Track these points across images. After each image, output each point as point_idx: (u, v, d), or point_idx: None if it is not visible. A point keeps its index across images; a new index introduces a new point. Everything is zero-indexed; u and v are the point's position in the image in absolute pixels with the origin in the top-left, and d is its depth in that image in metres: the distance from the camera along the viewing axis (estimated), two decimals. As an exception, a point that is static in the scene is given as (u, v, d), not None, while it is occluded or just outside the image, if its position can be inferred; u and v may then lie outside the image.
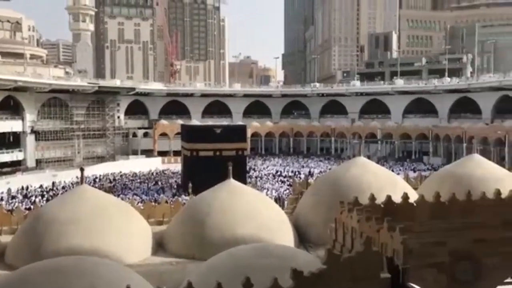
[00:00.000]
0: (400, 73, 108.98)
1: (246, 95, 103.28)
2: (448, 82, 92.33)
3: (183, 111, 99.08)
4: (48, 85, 73.71)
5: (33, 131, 74.18)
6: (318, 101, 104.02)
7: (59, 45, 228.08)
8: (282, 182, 56.98)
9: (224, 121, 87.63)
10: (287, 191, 47.86)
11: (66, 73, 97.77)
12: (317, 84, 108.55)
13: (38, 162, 73.36)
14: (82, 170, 18.23)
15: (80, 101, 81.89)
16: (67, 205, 16.60)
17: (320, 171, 64.51)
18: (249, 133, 78.33)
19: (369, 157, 27.87)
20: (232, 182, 17.99)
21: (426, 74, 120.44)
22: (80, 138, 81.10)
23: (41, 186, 54.03)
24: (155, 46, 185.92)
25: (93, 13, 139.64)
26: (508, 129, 67.61)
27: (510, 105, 78.76)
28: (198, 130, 58.40)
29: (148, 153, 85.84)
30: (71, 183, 54.47)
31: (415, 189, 18.82)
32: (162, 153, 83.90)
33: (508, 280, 10.58)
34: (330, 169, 63.11)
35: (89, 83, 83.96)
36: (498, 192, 12.98)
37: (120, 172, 65.85)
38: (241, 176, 43.07)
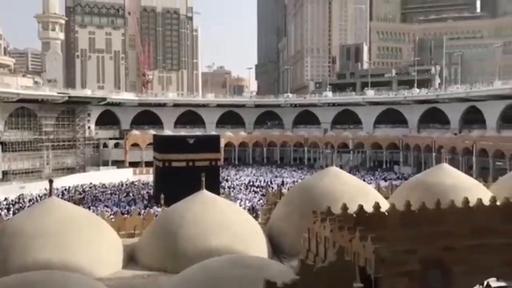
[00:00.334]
0: (371, 84, 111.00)
1: (219, 105, 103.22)
2: (417, 93, 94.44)
3: (155, 121, 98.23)
4: (16, 95, 71.92)
5: (-1, 142, 72.23)
6: (291, 111, 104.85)
7: (28, 54, 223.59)
8: (256, 192, 56.90)
9: (197, 131, 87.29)
10: (261, 201, 47.82)
11: (35, 82, 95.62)
12: (290, 95, 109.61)
13: (5, 173, 71.27)
14: (50, 181, 17.77)
15: (50, 111, 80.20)
16: (35, 218, 16.13)
17: (293, 181, 64.78)
18: (222, 143, 78.13)
19: (341, 167, 28.15)
20: (205, 193, 17.84)
21: (396, 85, 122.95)
22: (49, 149, 79.30)
23: (6, 199, 52.43)
24: (126, 56, 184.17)
25: (63, 22, 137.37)
26: (476, 139, 69.46)
27: (477, 115, 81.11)
28: (170, 140, 57.79)
29: (119, 164, 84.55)
30: (39, 195, 53.07)
31: (386, 198, 19.06)
32: (133, 164, 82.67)
33: (477, 287, 10.78)
34: (303, 179, 63.49)
35: (58, 93, 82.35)
36: (466, 201, 13.25)
37: (91, 183, 64.56)
38: (214, 186, 42.79)
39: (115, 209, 46.54)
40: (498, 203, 13.82)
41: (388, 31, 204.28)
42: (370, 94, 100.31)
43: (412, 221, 12.57)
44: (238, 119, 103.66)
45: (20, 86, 78.78)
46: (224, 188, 56.76)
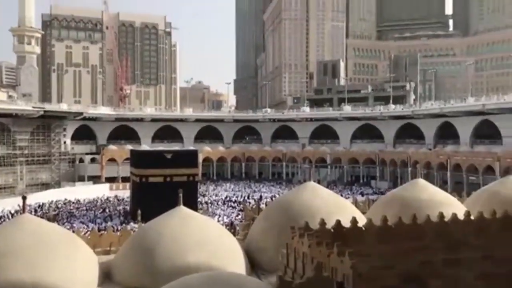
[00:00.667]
0: (348, 100, 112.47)
1: (197, 120, 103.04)
2: (393, 109, 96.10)
3: (132, 136, 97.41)
4: (-11, 109, 70.57)
5: (-29, 157, 70.44)
6: (270, 126, 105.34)
7: (2, 67, 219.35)
8: (234, 207, 56.66)
9: (175, 146, 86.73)
10: (239, 216, 47.62)
11: (9, 96, 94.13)
12: (269, 110, 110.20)
13: (-24, 189, 69.50)
14: (24, 198, 17.36)
15: (24, 125, 78.74)
16: (6, 236, 15.70)
17: (272, 196, 64.76)
18: (200, 158, 77.80)
19: (319, 182, 28.33)
20: (182, 209, 17.69)
21: (372, 101, 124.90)
22: (23, 164, 77.66)
23: (-23, 216, 50.95)
24: (104, 70, 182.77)
25: (39, 35, 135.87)
26: (450, 154, 70.80)
27: (451, 131, 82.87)
28: (147, 156, 57.14)
29: (95, 179, 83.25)
30: (11, 212, 51.71)
31: (364, 213, 19.22)
32: (110, 179, 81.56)
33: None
34: (281, 193, 63.56)
35: (33, 107, 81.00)
36: (441, 216, 13.46)
37: (66, 199, 63.26)
38: (192, 202, 42.53)
39: (90, 225, 45.72)
40: (472, 217, 14.08)
41: (364, 48, 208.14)
42: (347, 109, 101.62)
43: (389, 236, 12.69)
44: (217, 134, 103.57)
45: (-7, 100, 77.34)
46: (202, 204, 56.37)
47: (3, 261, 14.78)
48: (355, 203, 24.17)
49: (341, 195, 50.57)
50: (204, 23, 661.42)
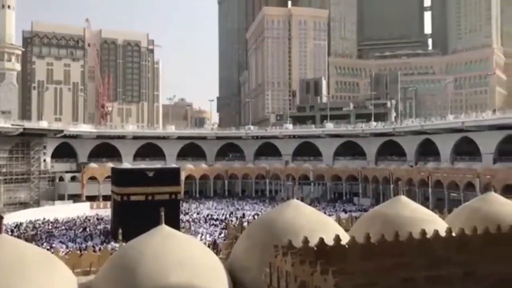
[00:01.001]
0: (330, 117, 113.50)
1: (180, 137, 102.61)
2: (375, 126, 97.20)
3: (114, 154, 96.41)
4: (-33, 127, 69.27)
5: None
6: (253, 143, 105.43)
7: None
8: (216, 226, 56.20)
9: (157, 164, 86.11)
10: (222, 235, 47.22)
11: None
12: (252, 127, 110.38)
13: (-48, 209, 67.71)
14: (1, 217, 16.93)
15: (3, 143, 77.44)
16: (-18, 257, 15.23)
17: (255, 214, 64.47)
18: (183, 175, 77.32)
19: (302, 199, 28.30)
20: (164, 228, 17.43)
21: (354, 118, 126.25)
22: (1, 183, 76.18)
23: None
24: (85, 87, 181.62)
25: (19, 52, 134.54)
26: (431, 170, 71.64)
27: (432, 148, 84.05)
28: (129, 173, 56.53)
29: (75, 198, 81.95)
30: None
31: (347, 230, 19.21)
32: (90, 198, 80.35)
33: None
34: (264, 211, 63.35)
35: (13, 124, 79.81)
36: (423, 233, 13.52)
37: (45, 218, 62.04)
38: (175, 221, 42.08)
39: (70, 245, 44.83)
40: (453, 234, 14.17)
41: (345, 66, 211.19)
42: (329, 127, 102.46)
43: (372, 254, 12.68)
44: (199, 152, 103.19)
45: (-28, 117, 76.03)
46: (184, 222, 55.81)
47: (-23, 284, 14.32)
48: (338, 221, 24.18)
49: (325, 212, 50.65)
50: (187, 40, 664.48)
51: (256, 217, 57.34)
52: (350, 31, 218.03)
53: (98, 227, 57.19)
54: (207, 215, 65.72)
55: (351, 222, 24.16)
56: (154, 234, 17.26)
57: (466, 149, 78.37)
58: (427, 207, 23.41)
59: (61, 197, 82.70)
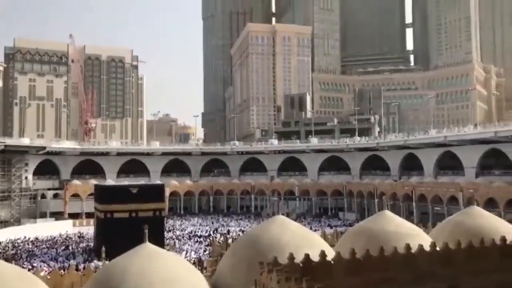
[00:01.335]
0: (315, 132, 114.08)
1: (164, 153, 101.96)
2: (359, 141, 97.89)
3: (97, 171, 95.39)
4: None
5: None
6: (238, 159, 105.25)
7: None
8: (201, 242, 55.65)
9: (141, 181, 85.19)
10: (207, 252, 46.76)
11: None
12: (237, 142, 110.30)
13: None
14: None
15: (-17, 160, 75.99)
16: (-40, 278, 14.81)
17: (240, 230, 64.06)
18: (167, 192, 76.61)
19: (288, 215, 28.23)
20: (148, 246, 17.19)
21: (338, 133, 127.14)
22: (-19, 201, 74.51)
23: None
24: (69, 104, 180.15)
25: (1, 68, 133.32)
26: (415, 185, 72.13)
27: (415, 162, 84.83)
28: (112, 190, 55.81)
29: (58, 215, 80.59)
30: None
31: (332, 246, 19.17)
32: (73, 216, 79.07)
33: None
34: (250, 227, 62.99)
35: (-6, 141, 78.51)
36: (408, 247, 13.55)
37: (25, 237, 60.77)
38: (159, 238, 41.61)
39: (52, 264, 43.88)
40: (437, 248, 14.23)
41: (329, 82, 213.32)
42: (314, 142, 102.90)
43: (357, 269, 12.66)
44: (184, 167, 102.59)
45: (-49, 134, 74.56)
46: (169, 239, 55.16)
47: (-46, 306, 13.89)
48: (324, 236, 24.13)
49: (310, 228, 50.56)
50: (172, 56, 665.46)
51: (240, 234, 57.00)
52: (333, 48, 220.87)
53: (81, 245, 56.22)
54: (193, 232, 65.08)
55: (336, 237, 24.14)
56: (138, 252, 17.01)
57: (449, 163, 79.29)
58: (412, 221, 23.53)
59: (43, 215, 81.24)
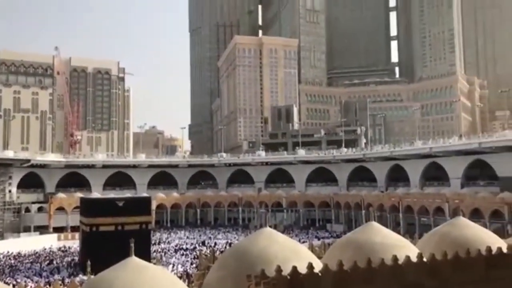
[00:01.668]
0: (302, 144, 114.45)
1: (151, 166, 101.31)
2: (345, 152, 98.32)
3: (83, 184, 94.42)
4: None
5: None
6: (225, 170, 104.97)
7: None
8: (188, 256, 55.16)
9: (128, 193, 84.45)
10: (194, 265, 46.34)
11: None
12: (224, 154, 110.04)
13: None
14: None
15: (-35, 174, 74.74)
16: None
17: (228, 242, 63.67)
18: (154, 205, 76.00)
19: (275, 226, 28.18)
20: (134, 260, 16.97)
21: (325, 145, 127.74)
22: (-37, 215, 73.09)
23: None
24: (54, 116, 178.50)
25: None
26: (401, 196, 72.55)
27: (401, 173, 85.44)
28: (98, 204, 55.21)
29: (42, 229, 79.36)
30: None
31: (320, 257, 19.13)
32: (58, 229, 78.00)
33: None
34: (237, 240, 62.65)
35: (-23, 154, 77.35)
36: (395, 259, 13.56)
37: (8, 252, 59.65)
38: (145, 252, 41.20)
39: (36, 278, 43.08)
40: (424, 259, 14.27)
41: (316, 94, 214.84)
42: (301, 153, 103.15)
43: (345, 281, 12.62)
44: (171, 180, 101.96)
45: None
46: (155, 253, 54.59)
47: None
48: (311, 248, 24.07)
49: (299, 240, 50.48)
50: (159, 68, 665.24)
51: (227, 246, 56.68)
52: (319, 60, 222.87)
53: (66, 259, 55.34)
54: (180, 245, 64.50)
55: (324, 249, 24.09)
56: (124, 266, 16.79)
57: (435, 174, 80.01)
58: (398, 232, 23.63)
59: (27, 229, 79.95)
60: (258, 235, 19.25)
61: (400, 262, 13.62)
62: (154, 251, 55.99)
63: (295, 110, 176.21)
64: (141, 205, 52.36)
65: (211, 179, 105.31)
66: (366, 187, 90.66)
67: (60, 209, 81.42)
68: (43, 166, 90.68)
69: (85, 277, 34.79)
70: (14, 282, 39.40)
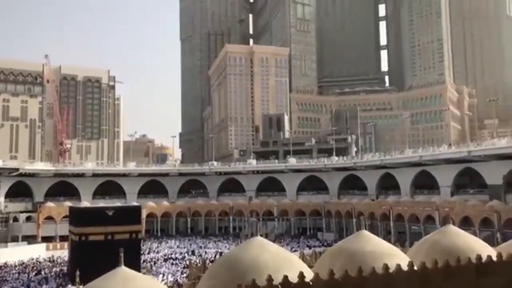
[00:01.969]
0: (293, 152, 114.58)
1: (141, 174, 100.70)
2: (336, 160, 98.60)
3: (72, 193, 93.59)
4: None
5: None
6: (216, 179, 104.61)
7: None
8: (178, 265, 54.75)
9: (117, 202, 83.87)
10: (184, 275, 45.98)
11: None
12: (215, 163, 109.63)
13: None
14: None
15: (-48, 183, 73.77)
16: None
17: (219, 252, 63.32)
18: (144, 214, 75.50)
19: (266, 235, 28.06)
20: (124, 270, 16.79)
21: (316, 153, 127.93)
22: (-50, 224, 72.06)
23: None
24: (43, 124, 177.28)
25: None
26: (392, 204, 72.70)
27: (392, 181, 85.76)
28: (87, 213, 54.66)
29: (30, 239, 78.30)
30: None
31: (311, 266, 19.06)
32: (47, 239, 77.03)
33: None
34: (228, 249, 62.32)
35: (-36, 163, 76.48)
36: (386, 267, 13.56)
37: (-4, 262, 58.76)
38: (135, 261, 40.76)
39: (23, 290, 42.48)
40: (415, 267, 14.28)
41: (306, 102, 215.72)
42: (292, 161, 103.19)
43: (336, 290, 12.58)
44: (161, 189, 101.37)
45: None
46: (145, 262, 54.11)
47: None
48: (302, 257, 23.99)
49: (291, 249, 50.31)
50: (150, 76, 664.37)
51: (217, 256, 56.36)
52: (310, 69, 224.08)
53: (54, 269, 54.63)
54: (169, 255, 64.02)
55: (315, 258, 24.02)
56: (113, 276, 16.61)
57: (425, 182, 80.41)
58: (389, 240, 23.61)
59: (15, 239, 78.87)
60: (249, 244, 19.14)
61: (391, 270, 13.63)
62: (144, 260, 55.51)
63: (286, 118, 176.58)
64: (131, 214, 51.93)
65: (201, 188, 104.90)
66: (357, 195, 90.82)
67: (49, 218, 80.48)
68: (31, 175, 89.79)
69: (73, 288, 34.41)
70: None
